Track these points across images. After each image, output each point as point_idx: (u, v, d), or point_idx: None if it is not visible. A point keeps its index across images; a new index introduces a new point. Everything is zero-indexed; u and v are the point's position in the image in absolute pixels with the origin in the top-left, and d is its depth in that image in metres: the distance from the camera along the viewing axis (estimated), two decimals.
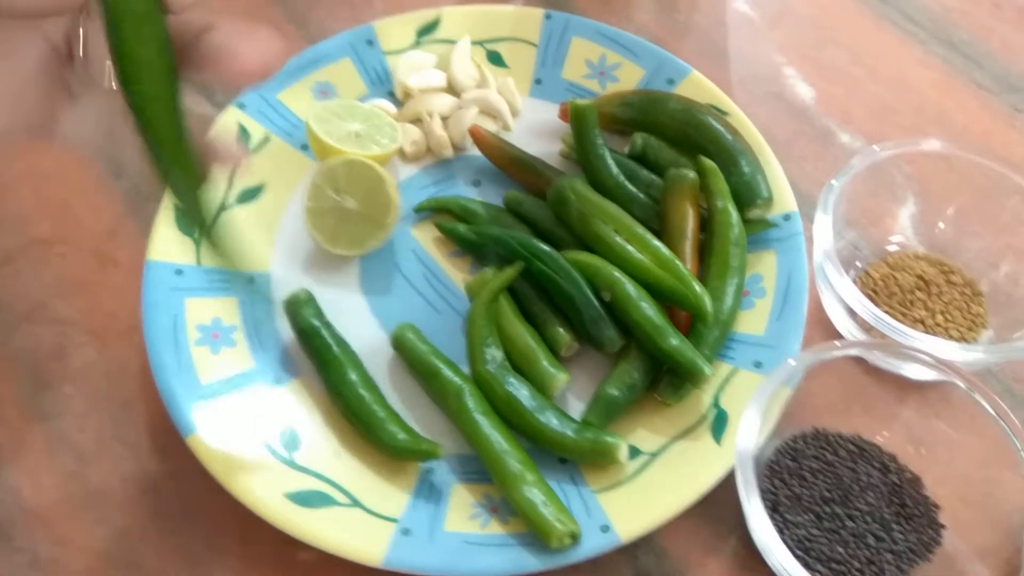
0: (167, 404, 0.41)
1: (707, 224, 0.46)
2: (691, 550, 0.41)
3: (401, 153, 0.52)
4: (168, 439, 0.43)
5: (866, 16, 0.60)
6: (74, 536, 0.41)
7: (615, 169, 0.48)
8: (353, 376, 0.43)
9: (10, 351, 0.47)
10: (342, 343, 0.44)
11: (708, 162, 0.46)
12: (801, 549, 0.40)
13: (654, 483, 0.41)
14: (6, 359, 0.46)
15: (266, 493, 0.40)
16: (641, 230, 0.45)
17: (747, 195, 0.46)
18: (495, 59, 0.55)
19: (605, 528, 0.39)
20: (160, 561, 0.41)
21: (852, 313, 0.45)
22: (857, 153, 0.48)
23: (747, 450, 0.38)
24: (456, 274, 0.49)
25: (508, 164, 0.51)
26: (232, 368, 0.44)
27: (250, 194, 0.50)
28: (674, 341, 0.42)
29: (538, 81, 0.55)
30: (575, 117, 0.48)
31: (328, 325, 0.45)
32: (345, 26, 0.58)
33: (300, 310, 0.45)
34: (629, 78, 0.54)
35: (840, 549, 0.40)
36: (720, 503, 0.41)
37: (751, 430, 0.38)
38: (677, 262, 0.44)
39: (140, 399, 0.45)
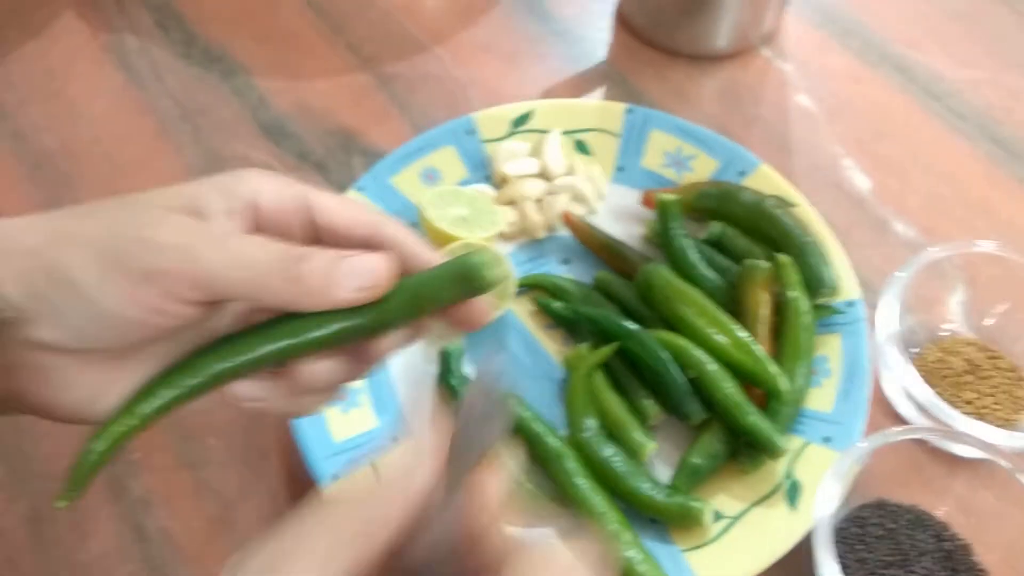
0: (306, 460, 0.47)
1: (780, 309, 0.52)
2: None
3: (500, 233, 0.58)
4: (303, 488, 0.49)
5: (918, 111, 0.66)
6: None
7: (696, 256, 0.54)
8: None
9: None
10: None
11: (784, 258, 0.52)
12: None
13: (736, 544, 0.46)
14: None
15: None
16: (721, 315, 0.51)
17: (815, 284, 0.52)
18: (581, 148, 0.62)
19: None
20: None
21: (908, 393, 0.51)
22: (911, 243, 0.53)
23: (825, 518, 0.43)
24: (551, 345, 0.55)
25: (597, 246, 0.57)
26: (359, 427, 0.50)
27: None
28: (753, 418, 0.47)
29: (620, 168, 0.61)
30: (661, 209, 0.54)
31: (466, 380, 0.51)
32: (444, 111, 0.65)
33: (452, 362, 0.51)
34: (703, 168, 0.60)
35: None
36: (793, 563, 0.46)
37: (829, 501, 0.44)
38: (753, 345, 0.49)
39: (275, 451, 0.51)
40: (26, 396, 0.31)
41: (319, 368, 0.31)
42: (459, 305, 0.32)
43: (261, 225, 0.31)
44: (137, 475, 0.50)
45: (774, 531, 0.46)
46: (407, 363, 0.53)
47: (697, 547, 0.46)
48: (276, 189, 0.32)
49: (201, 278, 0.29)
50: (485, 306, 0.32)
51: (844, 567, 0.46)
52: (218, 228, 0.30)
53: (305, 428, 0.48)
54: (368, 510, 0.25)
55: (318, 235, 0.32)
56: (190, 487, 0.50)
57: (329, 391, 0.33)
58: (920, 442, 0.48)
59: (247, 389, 0.32)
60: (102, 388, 0.31)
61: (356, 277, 0.30)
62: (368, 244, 0.32)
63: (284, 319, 0.31)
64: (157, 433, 0.52)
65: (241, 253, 0.29)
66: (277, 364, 0.31)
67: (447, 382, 0.51)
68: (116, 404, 0.31)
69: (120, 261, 0.29)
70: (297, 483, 0.50)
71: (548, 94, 0.67)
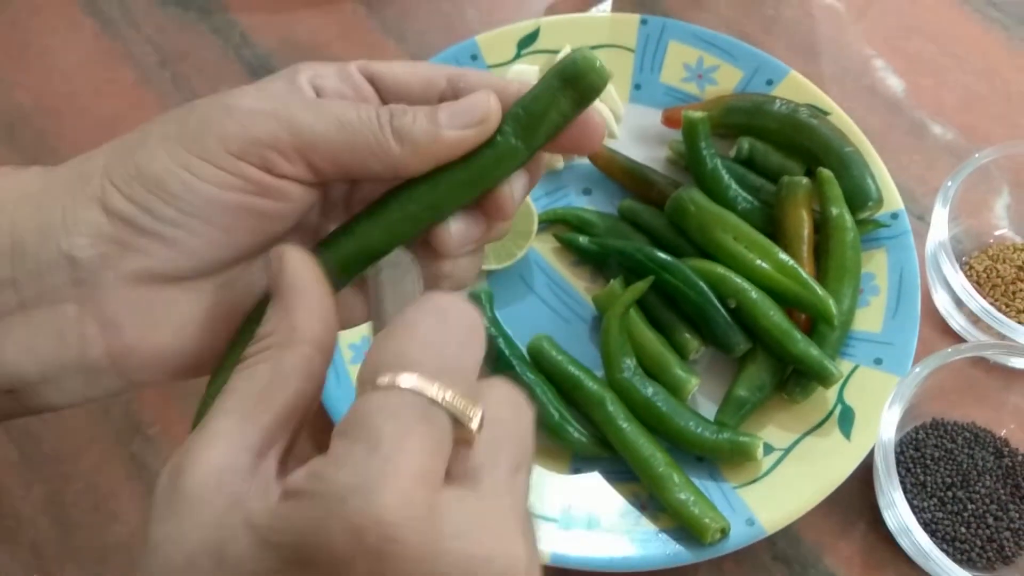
0: (336, 421, 0.45)
1: (821, 228, 0.49)
2: (823, 534, 0.45)
3: None
4: None
5: (949, 2, 0.61)
6: None
7: (728, 178, 0.50)
8: (531, 375, 0.47)
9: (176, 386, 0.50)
10: (513, 344, 0.48)
11: (825, 172, 0.48)
12: (928, 531, 0.43)
13: (790, 477, 0.44)
14: (167, 384, 0.50)
15: None
16: (760, 238, 0.48)
17: (858, 198, 0.49)
18: None
19: (750, 522, 0.43)
20: None
21: (959, 304, 0.48)
22: (951, 146, 0.50)
23: (888, 444, 0.41)
24: (578, 283, 0.52)
25: (619, 174, 0.53)
26: None
27: None
28: (802, 345, 0.45)
29: (637, 86, 0.57)
30: (687, 129, 0.51)
31: (498, 322, 0.49)
32: (441, 39, 0.60)
33: (482, 307, 0.48)
34: (728, 80, 0.55)
35: (963, 529, 0.44)
36: (846, 491, 0.44)
37: (891, 426, 0.42)
38: (799, 268, 0.47)
39: None
40: (126, 347, 0.27)
41: (457, 230, 0.29)
42: (572, 125, 0.28)
43: (321, 91, 0.29)
44: (157, 451, 0.48)
45: (828, 461, 0.44)
46: None
47: (749, 483, 0.44)
48: (336, 68, 0.29)
49: (298, 143, 0.26)
50: (598, 118, 0.29)
51: (904, 492, 0.44)
52: (305, 93, 0.28)
53: (333, 393, 0.46)
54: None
55: (385, 96, 0.30)
56: None
57: (475, 257, 0.31)
58: (973, 357, 0.45)
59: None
60: (207, 324, 0.28)
61: (462, 115, 0.27)
62: (442, 96, 0.29)
63: (400, 188, 0.28)
64: (174, 405, 0.49)
65: (336, 114, 0.27)
66: (415, 236, 0.29)
67: None
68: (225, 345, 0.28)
69: (207, 140, 0.26)
70: (325, 448, 0.47)
71: (552, 10, 0.62)
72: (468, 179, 0.28)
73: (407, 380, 0.21)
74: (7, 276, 0.26)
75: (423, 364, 0.21)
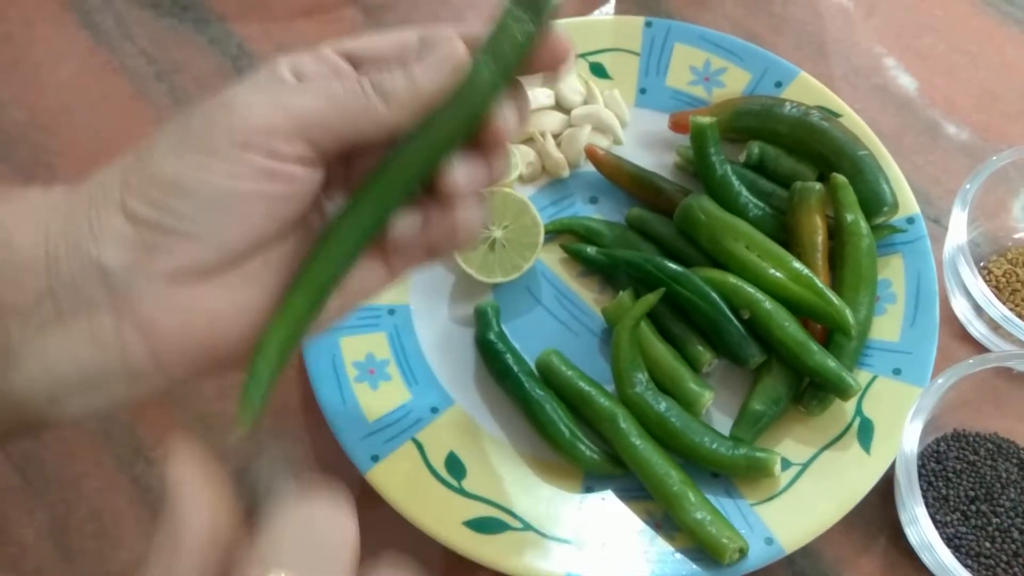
0: (342, 443, 0.44)
1: (835, 234, 0.48)
2: (844, 551, 0.44)
3: (519, 176, 0.53)
4: (339, 472, 0.45)
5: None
6: None
7: (738, 184, 0.49)
8: (540, 392, 0.46)
9: (173, 396, 0.49)
10: (521, 359, 0.47)
11: (839, 177, 0.47)
12: (952, 547, 0.42)
13: (809, 493, 0.43)
14: (171, 403, 0.49)
15: (446, 522, 0.42)
16: (773, 246, 0.47)
17: (873, 203, 0.47)
18: (598, 71, 0.56)
19: (769, 540, 0.42)
20: None
21: (979, 311, 0.47)
22: (966, 146, 0.48)
23: (910, 457, 0.40)
24: (587, 295, 0.50)
25: (627, 181, 0.52)
26: (392, 403, 0.46)
27: None
28: (818, 357, 0.44)
29: (643, 90, 0.56)
30: (696, 135, 0.49)
31: (505, 336, 0.48)
32: None
33: (489, 322, 0.48)
34: (736, 83, 0.54)
35: (987, 544, 0.42)
36: (867, 505, 0.43)
37: (913, 439, 0.40)
38: (813, 276, 0.45)
39: (305, 437, 0.48)
40: (166, 347, 0.29)
41: (461, 173, 0.31)
42: (539, 47, 0.31)
43: (302, 75, 0.31)
44: (159, 474, 0.47)
45: (848, 475, 0.43)
46: (435, 332, 0.49)
47: (767, 500, 0.43)
48: (310, 52, 0.31)
49: (295, 124, 0.28)
50: (562, 36, 0.32)
51: (927, 507, 0.43)
52: (288, 81, 0.30)
53: (336, 410, 0.45)
54: None
55: (366, 69, 0.31)
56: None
57: (483, 206, 0.33)
58: (997, 367, 0.44)
59: (406, 226, 0.31)
60: (238, 316, 0.30)
61: (434, 64, 0.30)
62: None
63: (397, 147, 0.30)
64: (176, 427, 0.48)
65: (323, 91, 0.29)
66: (421, 184, 0.31)
67: (485, 339, 0.47)
68: (256, 329, 0.30)
69: (212, 138, 0.28)
70: (331, 469, 0.46)
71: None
72: (457, 117, 0.30)
73: None
74: (44, 287, 0.28)
75: (294, 564, 0.22)
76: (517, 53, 0.30)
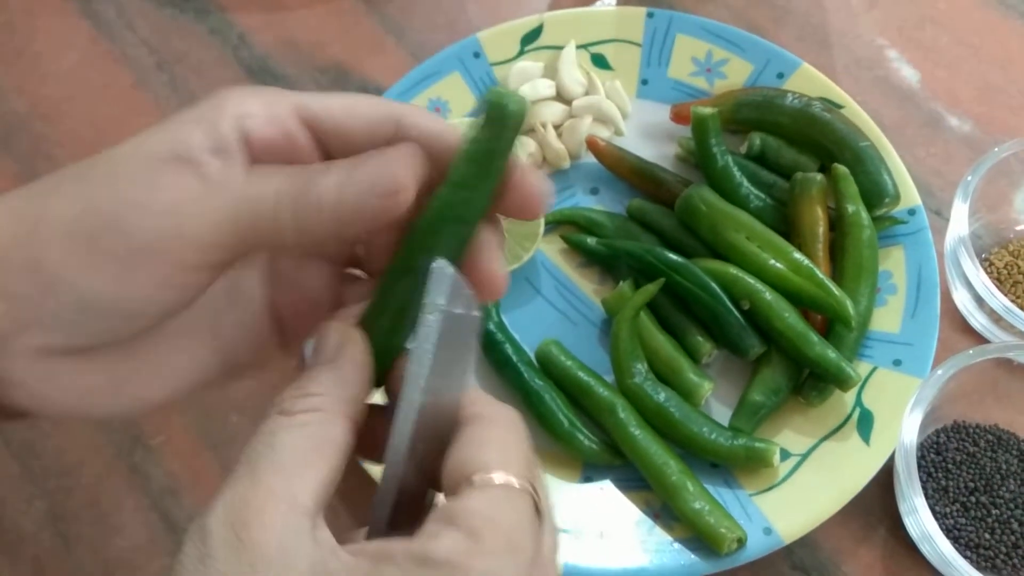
0: None
1: (836, 225, 0.48)
2: (842, 541, 0.44)
3: None
4: None
5: None
6: None
7: (740, 175, 0.49)
8: (540, 382, 0.46)
9: None
10: (520, 349, 0.47)
11: (841, 168, 0.47)
12: (951, 538, 0.42)
13: (808, 484, 0.43)
14: (171, 405, 0.49)
15: None
16: (774, 237, 0.46)
17: (875, 194, 0.47)
18: (600, 62, 0.56)
19: (767, 531, 0.41)
20: None
21: (980, 302, 0.47)
22: (968, 138, 0.48)
23: (910, 448, 0.40)
24: (587, 285, 0.50)
25: (628, 173, 0.52)
26: None
27: None
28: (818, 348, 0.44)
29: (644, 82, 0.55)
30: (697, 125, 0.49)
31: (505, 326, 0.48)
32: (443, 36, 0.59)
33: (489, 312, 0.47)
34: (737, 74, 0.54)
35: (987, 536, 0.42)
36: (866, 496, 0.43)
37: (912, 430, 0.40)
38: (814, 268, 0.45)
39: None
40: (24, 405, 0.26)
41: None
42: (511, 189, 0.27)
43: (257, 154, 0.26)
44: (159, 461, 0.47)
45: (847, 466, 0.43)
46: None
47: (766, 490, 0.43)
48: (265, 108, 0.26)
49: (204, 239, 0.25)
50: (535, 180, 0.27)
51: (926, 498, 0.43)
52: (211, 172, 0.25)
53: None
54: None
55: (330, 148, 0.27)
56: (216, 469, 0.47)
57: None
58: (997, 358, 0.44)
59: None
60: (121, 382, 0.27)
61: (372, 188, 0.25)
62: (386, 143, 0.27)
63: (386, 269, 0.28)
64: (175, 415, 0.48)
65: (244, 195, 0.25)
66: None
67: (484, 328, 0.47)
68: (152, 395, 0.27)
69: (105, 243, 0.24)
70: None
71: (556, 5, 0.60)
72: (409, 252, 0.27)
73: (501, 477, 0.24)
74: None
75: (507, 464, 0.24)
76: (480, 187, 0.27)
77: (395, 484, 0.25)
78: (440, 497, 0.26)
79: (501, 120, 0.26)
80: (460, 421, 0.26)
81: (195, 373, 0.29)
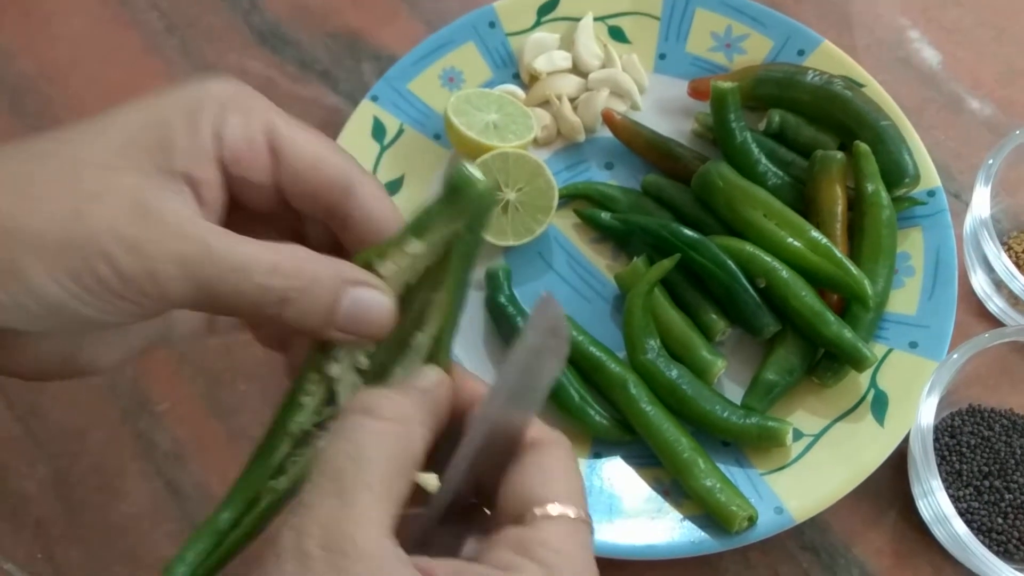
0: None
1: (855, 204, 0.47)
2: (853, 523, 0.43)
3: (534, 139, 0.53)
4: None
5: None
6: None
7: (758, 152, 0.48)
8: None
9: (179, 350, 0.49)
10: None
11: (862, 146, 0.46)
12: (964, 521, 0.42)
13: (820, 464, 0.42)
14: (176, 358, 0.48)
15: None
16: (792, 214, 0.46)
17: (895, 174, 0.47)
18: (617, 35, 0.55)
19: (779, 510, 0.41)
20: None
21: (999, 285, 0.46)
22: (989, 121, 0.48)
23: (926, 431, 0.40)
24: (599, 261, 0.50)
25: (644, 147, 0.51)
26: None
27: (391, 188, 0.51)
28: (835, 327, 0.43)
29: (662, 56, 0.55)
30: (716, 100, 0.48)
31: (516, 300, 0.47)
32: (457, 4, 0.58)
33: (500, 284, 0.47)
34: (757, 50, 0.53)
35: (1000, 520, 0.42)
36: (878, 478, 0.43)
37: (929, 413, 0.40)
38: (832, 247, 0.45)
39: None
40: None
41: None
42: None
43: (224, 163, 0.27)
44: (165, 428, 0.47)
45: (861, 447, 0.42)
46: None
47: (778, 469, 0.43)
48: (243, 126, 0.27)
49: (188, 287, 0.25)
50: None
51: (941, 481, 0.43)
52: (191, 217, 0.26)
53: None
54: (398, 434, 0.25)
55: (281, 181, 0.28)
56: (223, 437, 0.46)
57: None
58: (1013, 341, 0.43)
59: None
60: (74, 351, 0.28)
61: (358, 325, 0.27)
62: (333, 208, 0.28)
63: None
64: (182, 382, 0.48)
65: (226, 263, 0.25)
66: None
67: (496, 302, 0.47)
68: (104, 361, 0.28)
69: (90, 278, 0.24)
70: None
71: None
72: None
73: (567, 510, 0.25)
74: None
75: (571, 497, 0.25)
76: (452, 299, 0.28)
77: (452, 493, 0.26)
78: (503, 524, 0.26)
79: (464, 201, 0.27)
80: (523, 444, 0.27)
81: (148, 340, 0.30)
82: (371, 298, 0.27)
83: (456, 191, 0.27)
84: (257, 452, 0.29)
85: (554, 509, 0.25)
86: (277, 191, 0.28)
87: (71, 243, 0.24)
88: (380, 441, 0.24)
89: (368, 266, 0.28)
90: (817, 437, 0.43)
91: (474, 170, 0.27)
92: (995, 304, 0.47)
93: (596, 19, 0.55)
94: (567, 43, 0.55)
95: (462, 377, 0.29)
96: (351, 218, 0.28)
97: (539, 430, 0.27)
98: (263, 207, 0.28)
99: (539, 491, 0.25)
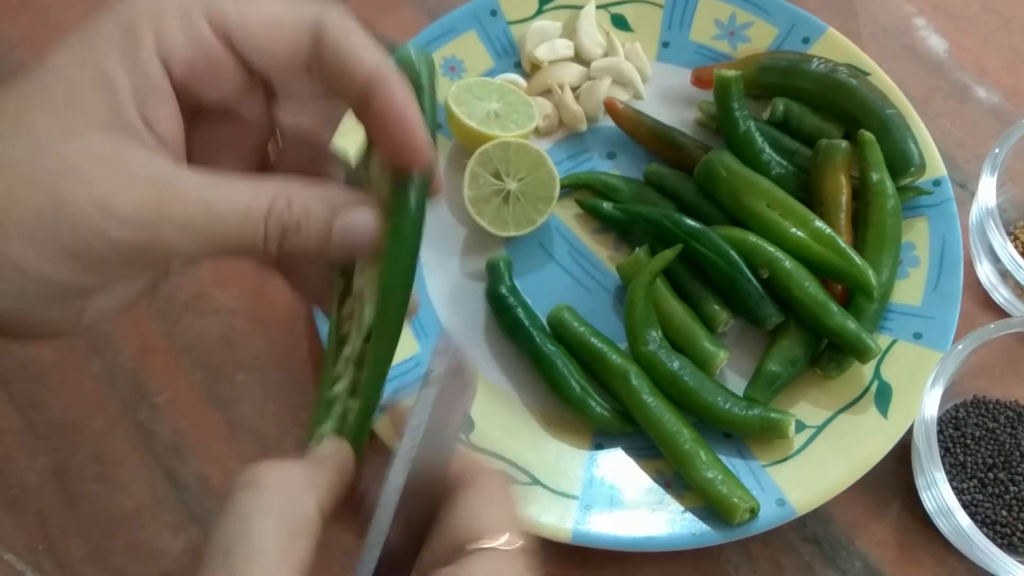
0: None
1: (860, 194, 0.46)
2: (856, 515, 0.43)
3: (535, 128, 0.52)
4: None
5: None
6: None
7: (762, 141, 0.48)
8: (552, 347, 0.45)
9: (178, 342, 0.48)
10: (533, 314, 0.46)
11: (867, 134, 0.46)
12: (968, 514, 0.41)
13: (823, 456, 0.42)
14: (176, 350, 0.48)
15: None
16: (796, 204, 0.45)
17: (900, 164, 0.46)
18: (620, 23, 0.54)
19: (780, 502, 0.41)
20: (354, 538, 0.43)
21: (1004, 276, 0.46)
22: (996, 110, 0.47)
23: (930, 422, 0.39)
24: (601, 251, 0.49)
25: (646, 137, 0.51)
26: (400, 354, 0.45)
27: None
28: (838, 318, 0.43)
29: (665, 44, 0.54)
30: (719, 88, 0.48)
31: (517, 291, 0.47)
32: None
33: (501, 275, 0.47)
34: (761, 38, 0.53)
35: (1004, 513, 0.42)
36: (880, 470, 0.42)
37: (933, 404, 0.40)
38: (836, 237, 0.44)
39: (313, 384, 0.47)
40: None
41: None
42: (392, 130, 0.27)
43: (179, 80, 0.26)
44: (164, 419, 0.46)
45: (864, 439, 0.42)
46: (445, 285, 0.48)
47: (780, 461, 0.42)
48: (183, 25, 0.25)
49: (193, 244, 0.25)
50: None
51: (945, 473, 0.42)
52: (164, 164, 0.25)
53: None
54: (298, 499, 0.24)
55: (251, 65, 0.27)
56: (223, 429, 0.46)
57: None
58: (1018, 332, 0.43)
59: None
60: (78, 312, 0.27)
61: (350, 246, 0.27)
62: (306, 63, 0.27)
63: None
64: (182, 373, 0.48)
65: (212, 220, 0.25)
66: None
67: (497, 293, 0.47)
68: (89, 317, 0.27)
69: (70, 245, 0.24)
70: None
71: None
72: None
73: (497, 541, 0.25)
74: None
75: (501, 526, 0.25)
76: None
77: (379, 548, 0.25)
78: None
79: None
80: (449, 484, 0.26)
81: (136, 292, 0.29)
82: (359, 218, 0.27)
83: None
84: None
85: (484, 543, 0.24)
86: (245, 75, 0.27)
87: (62, 231, 0.24)
88: (264, 511, 0.23)
89: None
90: (820, 429, 0.43)
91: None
92: (1001, 294, 0.46)
93: (599, 7, 0.54)
94: (569, 31, 0.54)
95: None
96: (335, 65, 0.27)
97: (463, 466, 0.27)
98: (234, 97, 0.28)
99: (466, 527, 0.25)
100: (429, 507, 0.26)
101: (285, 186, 0.26)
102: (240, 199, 0.25)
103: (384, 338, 0.29)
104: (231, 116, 0.29)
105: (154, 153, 0.25)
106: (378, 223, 0.28)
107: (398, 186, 0.28)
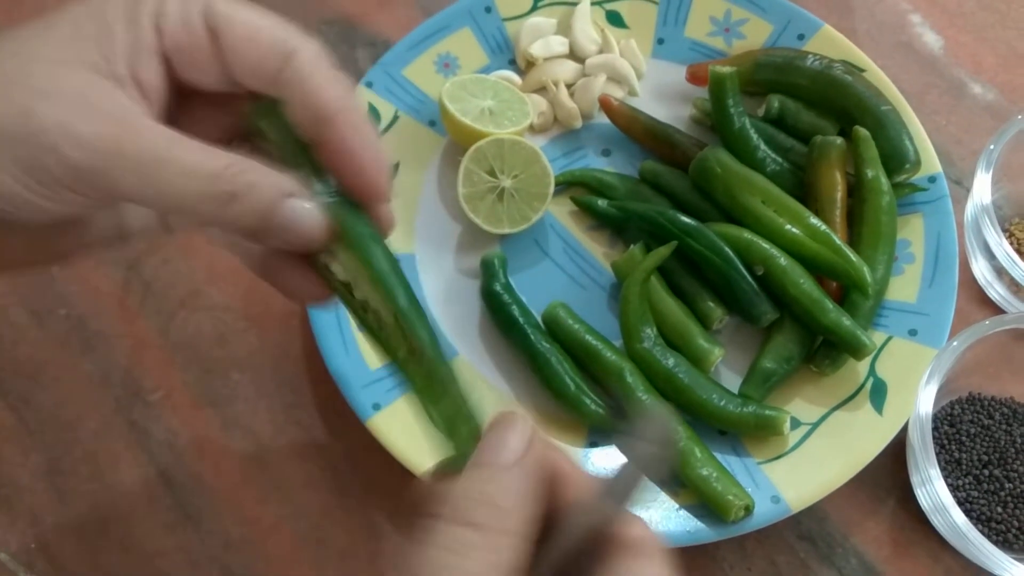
0: (344, 391, 0.43)
1: (855, 191, 0.46)
2: (851, 513, 0.43)
3: (530, 126, 0.52)
4: (341, 420, 0.45)
5: None
6: (261, 517, 0.44)
7: (756, 138, 0.48)
8: (546, 344, 0.45)
9: (172, 339, 0.48)
10: (527, 311, 0.46)
11: (862, 131, 0.46)
12: (963, 511, 0.41)
13: (817, 453, 0.42)
14: (170, 347, 0.48)
15: None
16: (791, 201, 0.45)
17: (895, 160, 0.46)
18: (615, 19, 0.54)
19: (775, 499, 0.41)
20: (348, 537, 0.43)
21: (1000, 273, 0.46)
22: (991, 107, 0.47)
23: (925, 419, 0.39)
24: (596, 248, 0.49)
25: (641, 134, 0.51)
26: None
27: None
28: (833, 315, 0.43)
29: (660, 41, 0.54)
30: (714, 85, 0.48)
31: (511, 288, 0.47)
32: None
33: (496, 272, 0.47)
34: (757, 34, 0.52)
35: (999, 509, 0.42)
36: (876, 467, 0.42)
37: (928, 401, 0.39)
38: (831, 233, 0.44)
39: (307, 383, 0.47)
40: None
41: None
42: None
43: (165, 50, 0.27)
44: (157, 418, 0.46)
45: (859, 436, 0.42)
46: (440, 282, 0.48)
47: (775, 459, 0.42)
48: (180, 8, 0.27)
49: (136, 183, 0.26)
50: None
51: (939, 470, 0.42)
52: (138, 113, 0.26)
53: (338, 356, 0.44)
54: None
55: (225, 58, 0.28)
56: (217, 427, 0.46)
57: None
58: (1014, 329, 0.43)
59: None
60: (43, 242, 0.29)
61: (291, 233, 0.27)
62: (273, 82, 0.28)
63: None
64: (175, 371, 0.48)
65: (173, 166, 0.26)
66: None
67: (491, 290, 0.46)
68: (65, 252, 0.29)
69: (32, 166, 0.25)
70: (334, 415, 0.46)
71: None
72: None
73: None
74: None
75: None
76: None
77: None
78: None
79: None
80: (612, 542, 0.24)
81: (105, 232, 0.30)
82: (304, 209, 0.27)
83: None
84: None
85: None
86: (224, 72, 0.28)
87: (22, 139, 0.25)
88: (477, 559, 0.23)
89: None
90: (815, 426, 0.43)
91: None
92: (996, 291, 0.46)
93: (593, 3, 0.54)
94: (564, 28, 0.54)
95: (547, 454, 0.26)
96: (296, 91, 0.27)
97: (632, 528, 0.25)
98: (214, 89, 0.29)
99: None
100: (584, 559, 0.24)
101: (242, 160, 0.27)
102: (194, 156, 0.26)
103: (415, 319, 0.29)
104: (212, 108, 0.29)
105: (132, 102, 0.27)
106: (326, 221, 0.28)
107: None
